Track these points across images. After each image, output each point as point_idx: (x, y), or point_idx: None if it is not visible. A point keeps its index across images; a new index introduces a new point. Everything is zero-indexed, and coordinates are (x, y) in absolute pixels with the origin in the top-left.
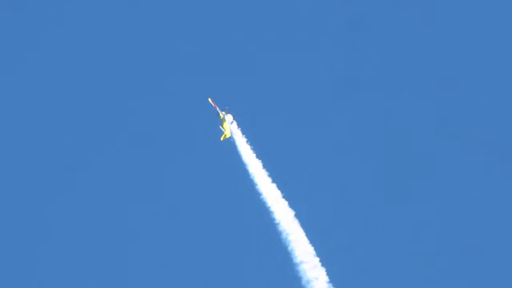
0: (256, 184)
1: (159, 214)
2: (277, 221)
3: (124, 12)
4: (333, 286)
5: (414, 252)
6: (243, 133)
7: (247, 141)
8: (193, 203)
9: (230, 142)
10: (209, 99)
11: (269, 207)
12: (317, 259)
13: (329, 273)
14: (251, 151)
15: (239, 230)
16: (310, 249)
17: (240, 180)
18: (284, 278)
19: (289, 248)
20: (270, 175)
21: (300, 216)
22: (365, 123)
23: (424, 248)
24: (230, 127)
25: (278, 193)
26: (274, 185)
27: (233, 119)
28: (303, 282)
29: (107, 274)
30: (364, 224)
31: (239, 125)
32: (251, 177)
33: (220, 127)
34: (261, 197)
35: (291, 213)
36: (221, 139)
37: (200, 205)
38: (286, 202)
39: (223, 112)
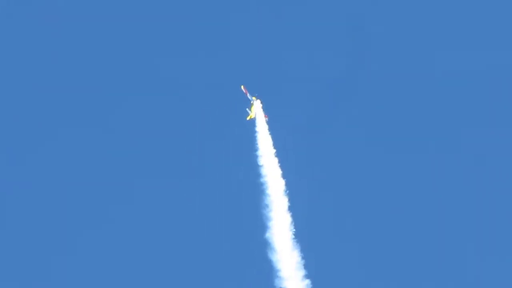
0: (262, 166)
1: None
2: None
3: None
4: None
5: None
6: (266, 116)
7: (267, 124)
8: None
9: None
10: (242, 86)
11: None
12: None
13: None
14: (269, 134)
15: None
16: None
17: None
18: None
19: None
20: (278, 158)
21: (293, 210)
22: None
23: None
24: (256, 111)
25: (281, 180)
26: (279, 171)
27: (261, 104)
28: None
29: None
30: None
31: (264, 109)
32: (259, 158)
33: (247, 109)
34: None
35: (285, 204)
36: (247, 119)
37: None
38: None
39: (253, 98)
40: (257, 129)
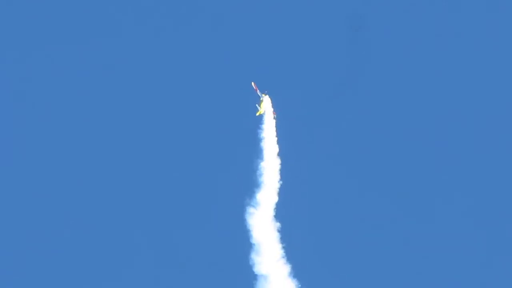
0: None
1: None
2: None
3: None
4: None
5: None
6: (275, 112)
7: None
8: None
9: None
10: (252, 83)
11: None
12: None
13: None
14: (275, 131)
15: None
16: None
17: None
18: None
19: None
20: (280, 153)
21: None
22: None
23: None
24: (265, 106)
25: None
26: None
27: (271, 100)
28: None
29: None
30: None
31: (273, 105)
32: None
33: (257, 105)
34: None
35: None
36: (257, 114)
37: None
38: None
39: (263, 94)
40: (263, 126)
